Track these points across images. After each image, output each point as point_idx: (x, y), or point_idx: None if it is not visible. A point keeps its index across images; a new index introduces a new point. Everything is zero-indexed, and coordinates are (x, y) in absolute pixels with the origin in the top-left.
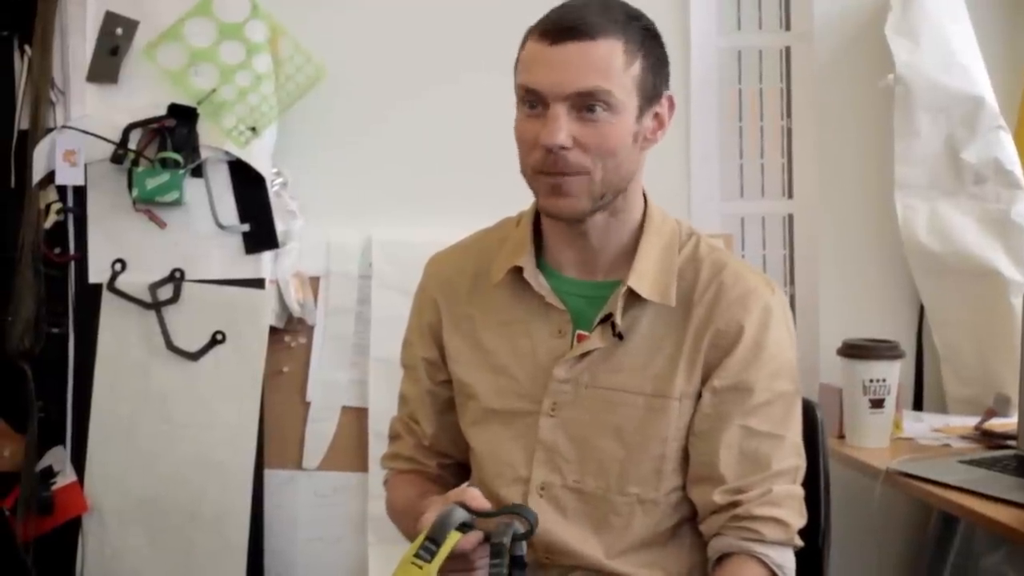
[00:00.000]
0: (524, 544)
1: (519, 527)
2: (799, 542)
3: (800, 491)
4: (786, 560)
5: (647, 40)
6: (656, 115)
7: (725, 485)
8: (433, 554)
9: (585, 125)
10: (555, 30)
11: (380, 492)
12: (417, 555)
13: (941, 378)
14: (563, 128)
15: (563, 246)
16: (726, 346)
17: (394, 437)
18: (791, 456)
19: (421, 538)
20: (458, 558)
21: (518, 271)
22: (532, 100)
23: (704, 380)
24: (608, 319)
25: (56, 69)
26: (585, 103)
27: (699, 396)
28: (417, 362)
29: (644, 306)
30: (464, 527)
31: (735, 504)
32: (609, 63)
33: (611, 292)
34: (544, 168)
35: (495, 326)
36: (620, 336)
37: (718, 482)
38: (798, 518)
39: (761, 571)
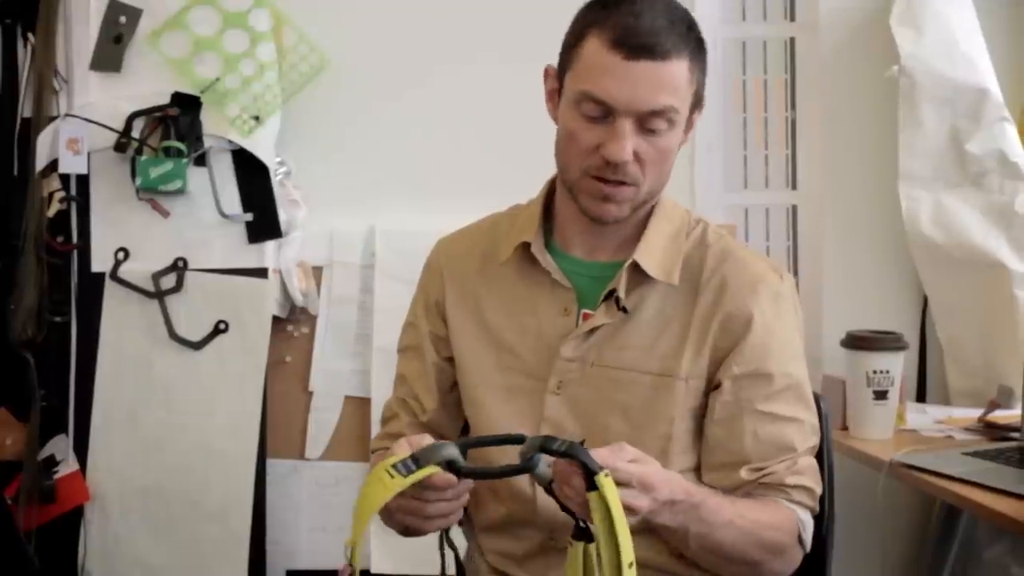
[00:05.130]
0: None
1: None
2: (817, 507)
3: (815, 463)
4: (808, 521)
5: (701, 51)
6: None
7: (752, 464)
8: (410, 472)
9: (646, 140)
10: (629, 45)
11: None
12: (394, 467)
13: (944, 370)
14: (629, 143)
15: (574, 227)
16: (738, 332)
17: (387, 418)
18: (811, 437)
19: (404, 455)
20: (429, 490)
21: (526, 248)
22: (597, 111)
23: (713, 364)
24: (612, 295)
25: (60, 57)
26: (651, 121)
27: (709, 380)
28: (423, 338)
29: (652, 286)
30: (451, 466)
31: (765, 476)
32: (679, 83)
33: (616, 271)
34: (601, 175)
35: (500, 304)
36: (624, 310)
37: (744, 464)
38: (818, 485)
39: (787, 512)
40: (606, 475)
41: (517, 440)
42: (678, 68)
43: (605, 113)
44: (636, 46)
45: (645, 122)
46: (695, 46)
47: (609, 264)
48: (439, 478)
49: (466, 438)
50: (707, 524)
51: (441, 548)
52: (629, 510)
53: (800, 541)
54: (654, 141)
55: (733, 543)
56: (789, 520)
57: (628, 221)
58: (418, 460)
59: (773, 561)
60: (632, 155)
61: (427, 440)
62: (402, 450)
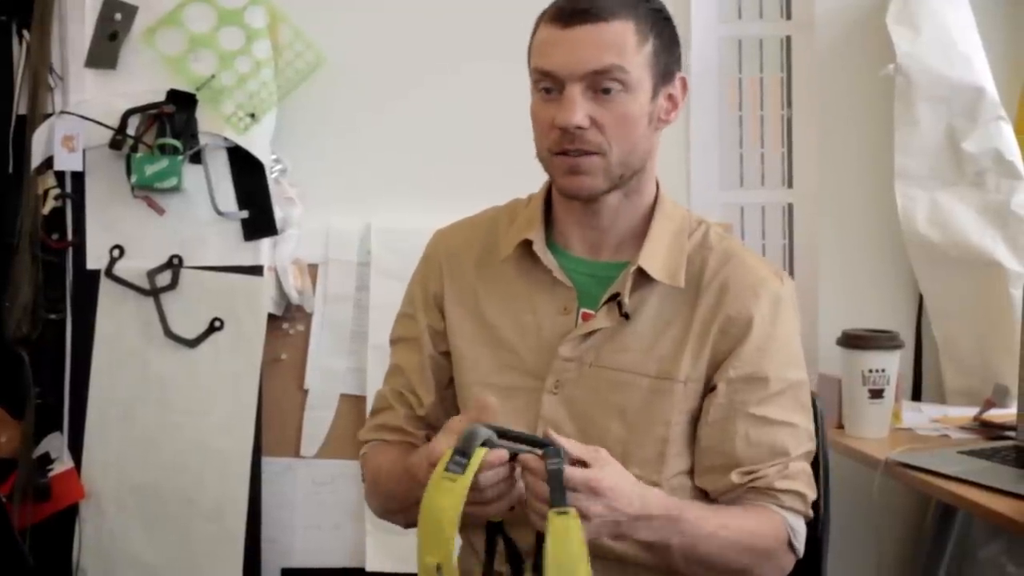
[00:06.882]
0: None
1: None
2: (811, 513)
3: (810, 468)
4: (799, 527)
5: (658, 21)
6: (670, 96)
7: (743, 467)
8: (463, 467)
9: (601, 105)
10: (567, 13)
11: None
12: (447, 468)
13: (940, 368)
14: (579, 108)
15: (573, 224)
16: (737, 335)
17: (380, 409)
18: (805, 442)
19: (449, 453)
20: (483, 471)
21: (527, 246)
22: (547, 83)
23: (712, 367)
24: (615, 298)
25: (55, 54)
26: (600, 83)
27: (706, 382)
28: (421, 331)
29: (652, 288)
30: (487, 444)
31: (755, 479)
32: (622, 42)
33: (618, 272)
34: (561, 148)
35: (499, 301)
36: (626, 316)
37: (736, 467)
38: (811, 491)
39: (776, 518)
40: (558, 513)
41: (541, 444)
42: (620, 28)
43: (556, 85)
44: (572, 13)
45: (594, 85)
46: (647, 15)
47: (610, 264)
48: (492, 455)
49: (497, 426)
50: (690, 536)
51: (493, 538)
52: (582, 516)
53: (791, 547)
54: (611, 106)
55: (719, 554)
56: (777, 526)
57: (626, 218)
58: (465, 452)
59: (762, 567)
60: (587, 120)
61: (446, 430)
62: (434, 449)
